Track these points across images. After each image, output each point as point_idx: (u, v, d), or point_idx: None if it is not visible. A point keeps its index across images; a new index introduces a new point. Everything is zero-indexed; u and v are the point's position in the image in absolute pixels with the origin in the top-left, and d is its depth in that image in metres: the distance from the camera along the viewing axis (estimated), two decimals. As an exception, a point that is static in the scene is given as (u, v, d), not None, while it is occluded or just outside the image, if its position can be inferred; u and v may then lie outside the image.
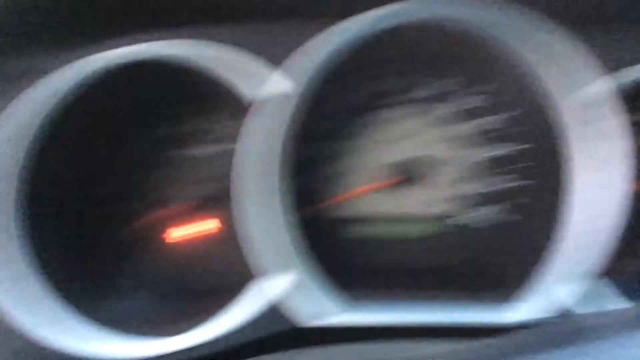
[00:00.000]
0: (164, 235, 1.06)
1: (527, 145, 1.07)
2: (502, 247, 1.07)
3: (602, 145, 0.83)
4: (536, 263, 0.90)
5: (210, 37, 0.83)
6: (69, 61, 0.82)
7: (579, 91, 0.83)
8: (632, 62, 0.83)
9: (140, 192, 1.06)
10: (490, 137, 1.08)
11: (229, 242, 1.01)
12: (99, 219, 1.03)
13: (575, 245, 0.85)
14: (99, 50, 0.82)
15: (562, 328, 0.49)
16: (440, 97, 1.08)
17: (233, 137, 1.02)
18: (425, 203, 1.11)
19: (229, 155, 1.02)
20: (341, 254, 1.10)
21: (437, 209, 1.11)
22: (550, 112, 0.90)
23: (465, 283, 1.01)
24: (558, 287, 0.83)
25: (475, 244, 1.09)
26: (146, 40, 0.83)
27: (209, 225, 1.06)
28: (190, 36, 0.83)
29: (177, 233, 1.06)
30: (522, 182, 1.08)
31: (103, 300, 0.95)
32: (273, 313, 0.81)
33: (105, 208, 1.04)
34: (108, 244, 1.03)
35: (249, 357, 0.73)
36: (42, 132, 0.85)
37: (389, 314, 0.84)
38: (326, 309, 0.83)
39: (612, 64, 0.82)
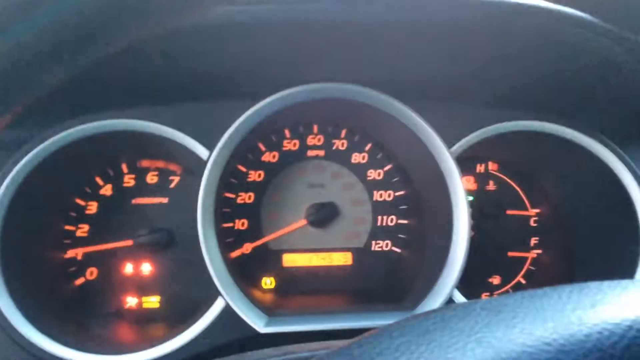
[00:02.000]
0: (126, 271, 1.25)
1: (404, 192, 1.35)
2: (399, 270, 1.34)
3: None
4: (427, 280, 1.17)
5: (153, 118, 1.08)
6: (51, 134, 1.03)
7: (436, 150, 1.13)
8: (463, 134, 1.14)
9: (100, 235, 1.23)
10: (378, 183, 1.35)
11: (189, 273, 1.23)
12: (66, 263, 1.23)
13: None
14: (76, 124, 1.05)
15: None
16: (333, 155, 1.34)
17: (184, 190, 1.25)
18: (344, 237, 1.34)
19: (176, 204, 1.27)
20: (280, 280, 1.31)
21: (353, 242, 1.35)
22: (421, 165, 1.19)
23: (378, 300, 1.24)
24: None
25: (381, 269, 1.35)
26: (115, 117, 1.06)
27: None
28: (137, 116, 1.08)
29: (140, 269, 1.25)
30: (401, 221, 1.35)
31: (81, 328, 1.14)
32: (232, 322, 1.03)
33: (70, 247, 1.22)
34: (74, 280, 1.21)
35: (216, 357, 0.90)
36: (29, 181, 1.03)
37: (321, 323, 1.06)
38: (262, 322, 1.05)
39: (449, 135, 1.12)
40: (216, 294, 1.04)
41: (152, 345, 1.00)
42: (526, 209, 1.39)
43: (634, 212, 1.13)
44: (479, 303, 0.57)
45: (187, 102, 1.09)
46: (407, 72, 1.07)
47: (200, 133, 1.08)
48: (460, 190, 1.12)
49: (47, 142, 1.03)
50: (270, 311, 1.09)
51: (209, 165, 1.06)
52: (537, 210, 1.39)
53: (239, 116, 1.08)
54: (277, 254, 1.32)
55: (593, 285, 0.55)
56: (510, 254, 1.37)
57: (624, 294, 0.51)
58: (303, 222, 1.31)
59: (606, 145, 1.14)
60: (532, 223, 1.39)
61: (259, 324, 1.03)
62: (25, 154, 1.01)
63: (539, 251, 1.38)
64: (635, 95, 1.01)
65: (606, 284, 0.55)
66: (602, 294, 0.51)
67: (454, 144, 1.13)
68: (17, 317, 0.97)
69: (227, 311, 1.03)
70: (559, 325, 0.47)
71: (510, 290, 1.37)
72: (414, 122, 1.12)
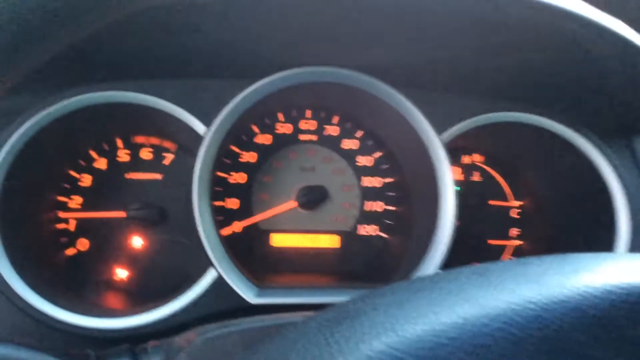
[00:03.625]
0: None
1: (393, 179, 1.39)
2: (385, 254, 1.38)
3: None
4: (411, 265, 1.21)
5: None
6: (50, 103, 1.05)
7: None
8: (452, 122, 1.18)
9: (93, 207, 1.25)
10: (368, 170, 1.39)
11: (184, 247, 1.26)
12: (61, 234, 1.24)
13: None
14: (74, 95, 1.06)
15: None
16: (325, 140, 1.38)
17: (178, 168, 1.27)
18: (332, 220, 1.38)
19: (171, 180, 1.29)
20: (269, 258, 1.35)
21: (341, 225, 1.39)
22: (411, 151, 1.23)
23: (364, 281, 1.27)
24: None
25: (367, 252, 1.39)
26: (114, 89, 1.08)
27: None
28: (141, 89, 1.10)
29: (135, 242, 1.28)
30: (388, 208, 1.39)
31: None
32: (223, 293, 1.07)
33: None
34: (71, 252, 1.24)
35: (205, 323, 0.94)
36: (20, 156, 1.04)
37: (310, 297, 1.10)
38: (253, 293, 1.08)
39: (439, 122, 1.16)
40: (207, 266, 1.07)
41: (143, 312, 1.03)
42: (507, 200, 1.44)
43: (612, 205, 1.18)
44: (467, 268, 0.61)
45: (185, 79, 1.11)
46: (400, 59, 1.11)
47: (198, 109, 1.10)
48: (448, 177, 1.16)
49: (45, 111, 1.04)
50: (260, 285, 1.12)
51: (206, 140, 1.08)
52: (520, 202, 1.44)
53: (237, 94, 1.10)
54: (267, 234, 1.35)
55: (574, 255, 0.59)
56: (491, 242, 1.42)
57: (604, 264, 0.55)
58: (293, 203, 1.34)
59: (589, 140, 1.19)
60: (514, 214, 1.44)
61: (250, 295, 1.06)
62: (24, 123, 1.03)
63: (521, 242, 1.43)
64: (615, 91, 1.06)
65: (587, 255, 0.59)
66: (583, 263, 0.55)
67: (444, 132, 1.17)
68: (18, 282, 0.99)
69: (219, 282, 1.06)
70: (543, 287, 0.50)
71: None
72: (406, 108, 1.16)
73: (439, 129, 1.16)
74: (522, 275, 0.55)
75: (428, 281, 0.58)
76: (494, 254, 1.43)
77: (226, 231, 1.30)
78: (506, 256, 1.44)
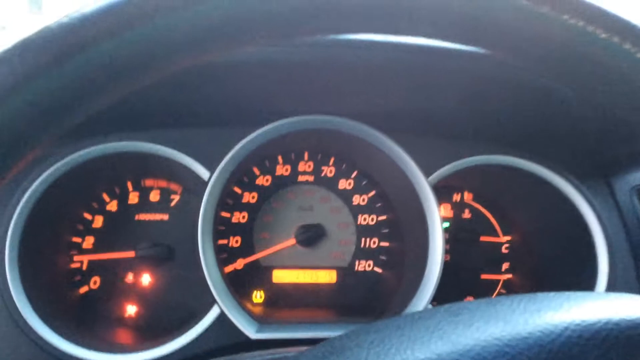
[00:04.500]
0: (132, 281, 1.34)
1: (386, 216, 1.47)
2: (379, 288, 1.44)
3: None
4: (404, 299, 1.28)
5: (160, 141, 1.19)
6: (68, 152, 1.14)
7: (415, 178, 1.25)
8: (439, 165, 1.26)
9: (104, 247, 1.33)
10: (363, 208, 1.47)
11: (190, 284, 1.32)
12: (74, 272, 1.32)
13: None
14: (89, 145, 1.15)
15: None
16: (322, 180, 1.46)
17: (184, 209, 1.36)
18: (330, 256, 1.45)
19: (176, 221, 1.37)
20: (270, 294, 1.41)
21: (338, 261, 1.45)
22: (401, 192, 1.31)
23: (360, 315, 1.34)
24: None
25: (362, 287, 1.45)
26: (126, 139, 1.17)
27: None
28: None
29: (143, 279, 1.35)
30: (382, 244, 1.47)
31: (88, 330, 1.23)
32: (225, 329, 1.13)
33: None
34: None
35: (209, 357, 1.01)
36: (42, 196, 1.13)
37: (308, 332, 1.16)
38: (253, 329, 1.15)
39: (427, 165, 1.24)
40: (211, 303, 1.14)
41: (151, 347, 1.10)
42: (498, 236, 1.51)
43: (591, 240, 1.26)
44: (444, 307, 0.68)
45: (191, 128, 1.20)
46: (390, 107, 1.20)
47: (203, 156, 1.19)
48: (436, 216, 1.24)
49: (64, 160, 1.13)
50: (260, 320, 1.19)
51: (209, 185, 1.16)
52: (508, 238, 1.51)
53: (238, 142, 1.19)
54: (267, 270, 1.42)
55: (541, 295, 0.66)
56: (483, 276, 1.49)
57: (565, 303, 0.62)
58: (292, 241, 1.41)
59: (568, 180, 1.27)
60: (503, 249, 1.51)
61: (251, 331, 1.13)
62: (44, 171, 1.11)
63: (510, 275, 1.50)
64: (588, 136, 1.14)
65: (552, 294, 0.66)
66: (546, 302, 0.62)
67: (431, 174, 1.25)
68: (35, 319, 1.06)
69: (222, 318, 1.12)
70: (508, 325, 0.57)
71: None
72: (396, 152, 1.24)
73: (427, 171, 1.24)
74: (491, 314, 0.62)
75: (408, 319, 0.65)
76: (488, 288, 1.50)
77: (229, 268, 1.37)
78: (499, 290, 1.50)
